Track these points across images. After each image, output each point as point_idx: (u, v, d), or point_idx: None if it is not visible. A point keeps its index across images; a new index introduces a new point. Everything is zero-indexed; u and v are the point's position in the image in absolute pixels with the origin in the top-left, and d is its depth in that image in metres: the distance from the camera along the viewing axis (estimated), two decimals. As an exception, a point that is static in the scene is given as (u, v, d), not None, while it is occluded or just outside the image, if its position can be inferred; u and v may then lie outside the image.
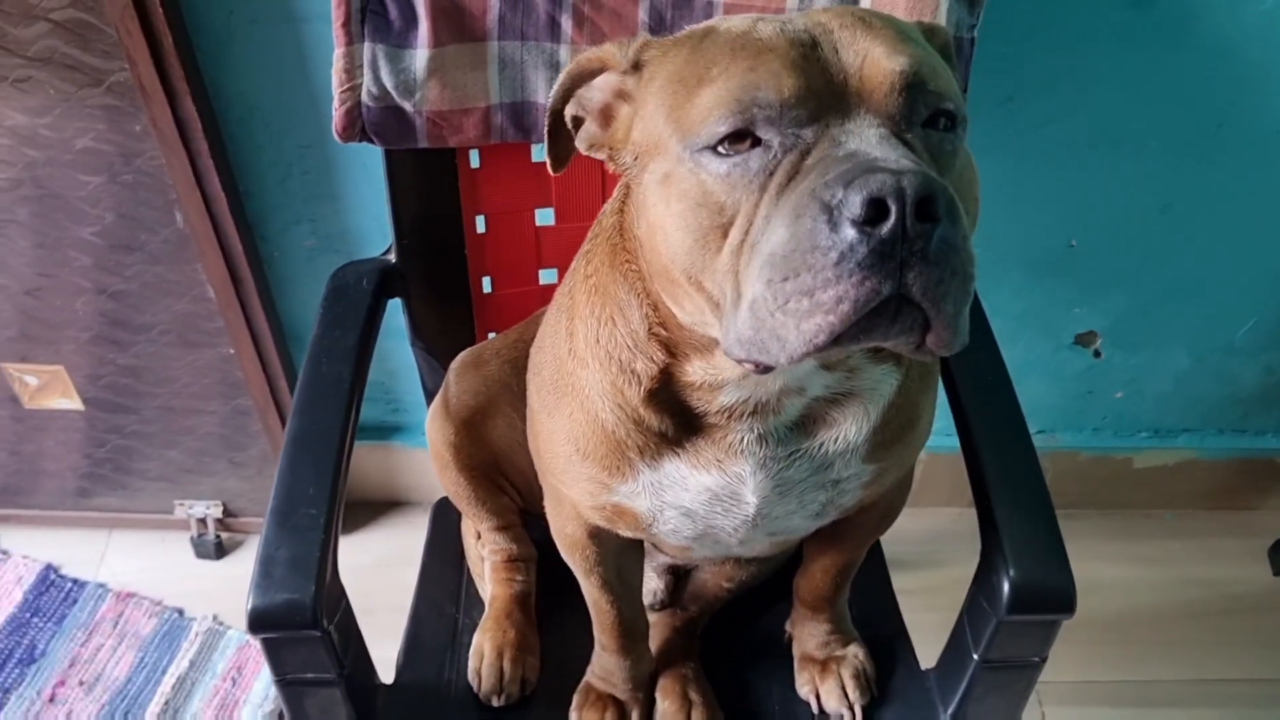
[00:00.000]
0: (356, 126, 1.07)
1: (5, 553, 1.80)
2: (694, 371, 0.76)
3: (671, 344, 0.76)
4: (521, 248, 1.22)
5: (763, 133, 0.61)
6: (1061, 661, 1.64)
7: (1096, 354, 1.61)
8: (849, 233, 0.56)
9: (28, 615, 1.71)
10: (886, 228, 0.55)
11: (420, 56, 1.04)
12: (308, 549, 0.92)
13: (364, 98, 1.05)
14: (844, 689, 1.07)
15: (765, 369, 0.65)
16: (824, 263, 0.57)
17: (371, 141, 1.08)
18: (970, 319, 1.10)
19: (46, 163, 1.29)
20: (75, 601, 1.73)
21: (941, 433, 1.63)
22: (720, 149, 0.62)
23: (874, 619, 1.16)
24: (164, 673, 1.64)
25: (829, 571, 1.04)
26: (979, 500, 0.99)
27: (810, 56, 0.62)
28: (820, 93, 0.62)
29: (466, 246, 1.20)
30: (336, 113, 1.05)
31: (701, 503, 0.82)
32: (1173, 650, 1.67)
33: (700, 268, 0.64)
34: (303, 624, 0.90)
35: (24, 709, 1.59)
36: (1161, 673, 1.65)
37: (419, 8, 1.02)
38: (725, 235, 0.62)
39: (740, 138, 0.62)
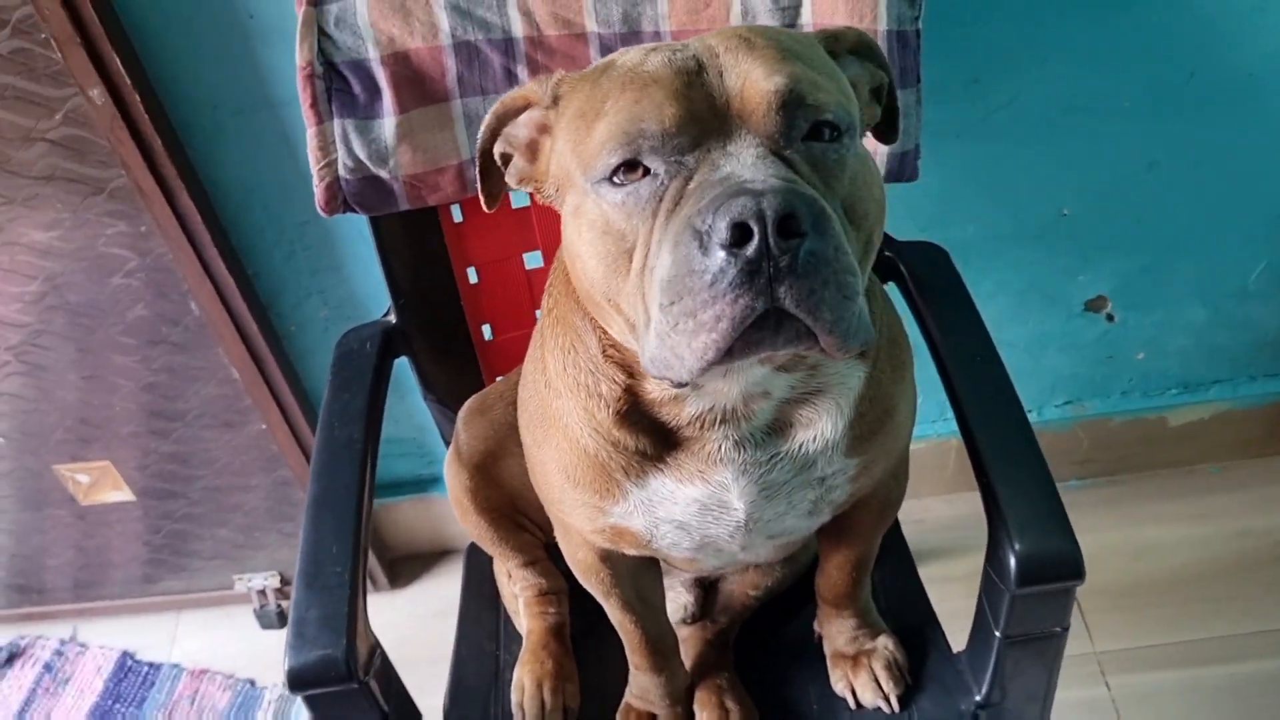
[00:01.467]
0: (338, 199, 1.11)
1: (84, 645, 1.87)
2: (652, 388, 0.79)
3: (626, 364, 0.79)
4: (515, 292, 1.26)
5: (649, 162, 0.66)
6: (1118, 629, 1.65)
7: (1109, 318, 1.61)
8: (718, 256, 0.60)
9: (110, 703, 1.78)
10: (750, 249, 0.59)
11: (388, 125, 1.08)
12: (336, 606, 0.96)
13: (341, 171, 1.09)
14: (877, 681, 1.08)
15: (680, 384, 0.68)
16: (701, 285, 0.61)
17: (355, 211, 1.12)
18: (950, 298, 1.12)
19: (65, 272, 1.36)
20: (153, 684, 1.80)
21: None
22: (615, 179, 0.66)
23: (902, 608, 1.17)
24: (243, 743, 1.70)
25: (844, 568, 1.06)
26: (980, 480, 1.00)
27: (694, 83, 0.66)
28: (702, 118, 0.65)
29: (462, 298, 1.25)
30: (317, 189, 1.10)
31: (692, 514, 0.84)
32: (1231, 605, 1.65)
33: (615, 291, 0.69)
34: (338, 678, 0.93)
35: (115, 793, 1.66)
36: (1222, 629, 1.63)
37: (380, 80, 1.07)
38: (630, 259, 0.66)
39: (631, 168, 0.66)
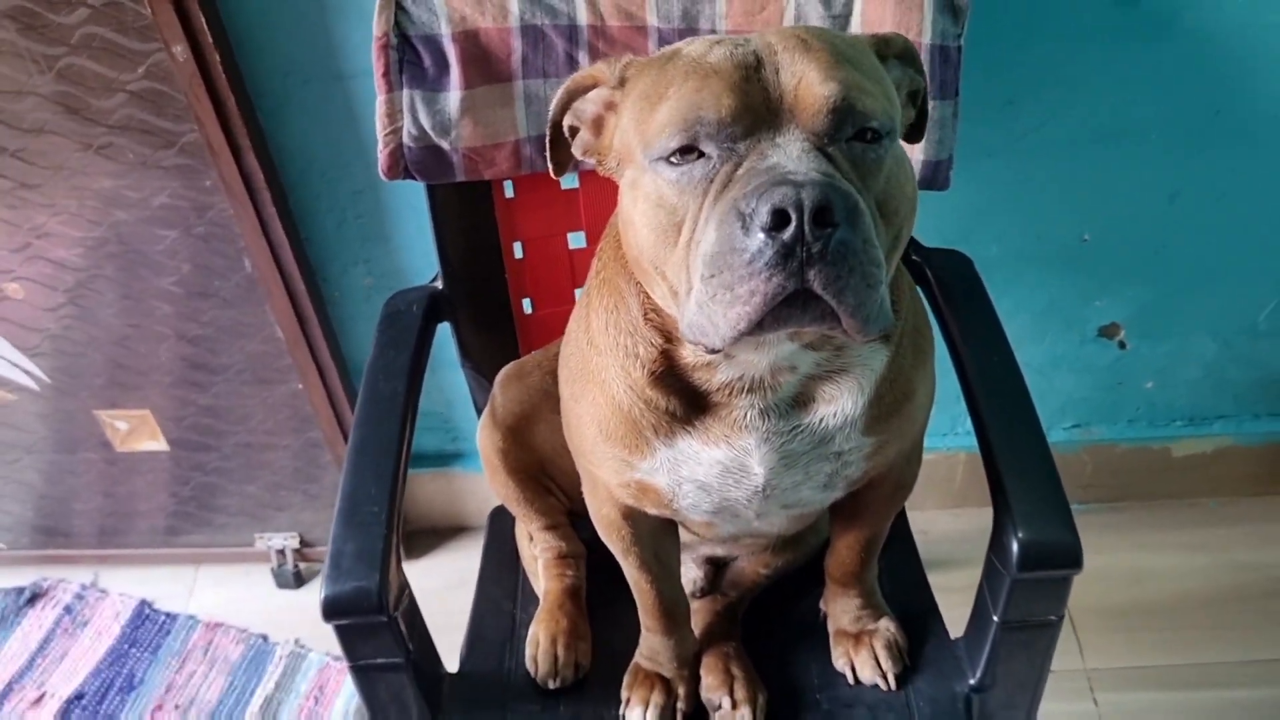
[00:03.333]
0: (400, 165, 1.18)
1: (104, 591, 1.93)
2: (688, 354, 0.85)
3: (665, 329, 0.85)
4: (557, 270, 1.32)
5: (705, 146, 0.72)
6: (1112, 648, 1.69)
7: (1122, 345, 1.66)
8: (758, 238, 0.67)
9: (126, 647, 1.83)
10: (788, 234, 0.66)
11: (453, 99, 1.15)
12: (372, 542, 1.01)
13: (405, 139, 1.16)
14: (877, 659, 1.13)
15: (712, 350, 0.74)
16: (740, 262, 0.68)
17: (414, 178, 1.19)
18: (972, 303, 1.18)
19: (129, 220, 1.43)
20: (169, 632, 1.85)
21: (970, 434, 1.69)
22: (672, 159, 0.73)
23: (905, 595, 1.22)
24: (252, 695, 1.75)
25: (854, 548, 1.11)
26: (990, 473, 1.05)
27: (752, 78, 0.73)
28: (757, 110, 0.72)
29: (506, 271, 1.31)
30: (381, 154, 1.16)
31: (714, 475, 0.90)
32: (1223, 633, 1.70)
33: (662, 259, 0.75)
34: (370, 609, 0.99)
35: (126, 733, 1.71)
36: (1212, 655, 1.67)
37: (450, 55, 1.13)
38: (680, 232, 0.73)
39: (688, 150, 0.72)
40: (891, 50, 0.83)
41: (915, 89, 0.87)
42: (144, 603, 1.90)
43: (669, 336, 0.86)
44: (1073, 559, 0.98)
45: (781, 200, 0.66)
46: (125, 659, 1.81)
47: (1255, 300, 1.60)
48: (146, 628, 1.86)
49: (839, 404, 0.87)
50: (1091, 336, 1.65)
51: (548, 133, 0.88)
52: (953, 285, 1.21)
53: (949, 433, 1.78)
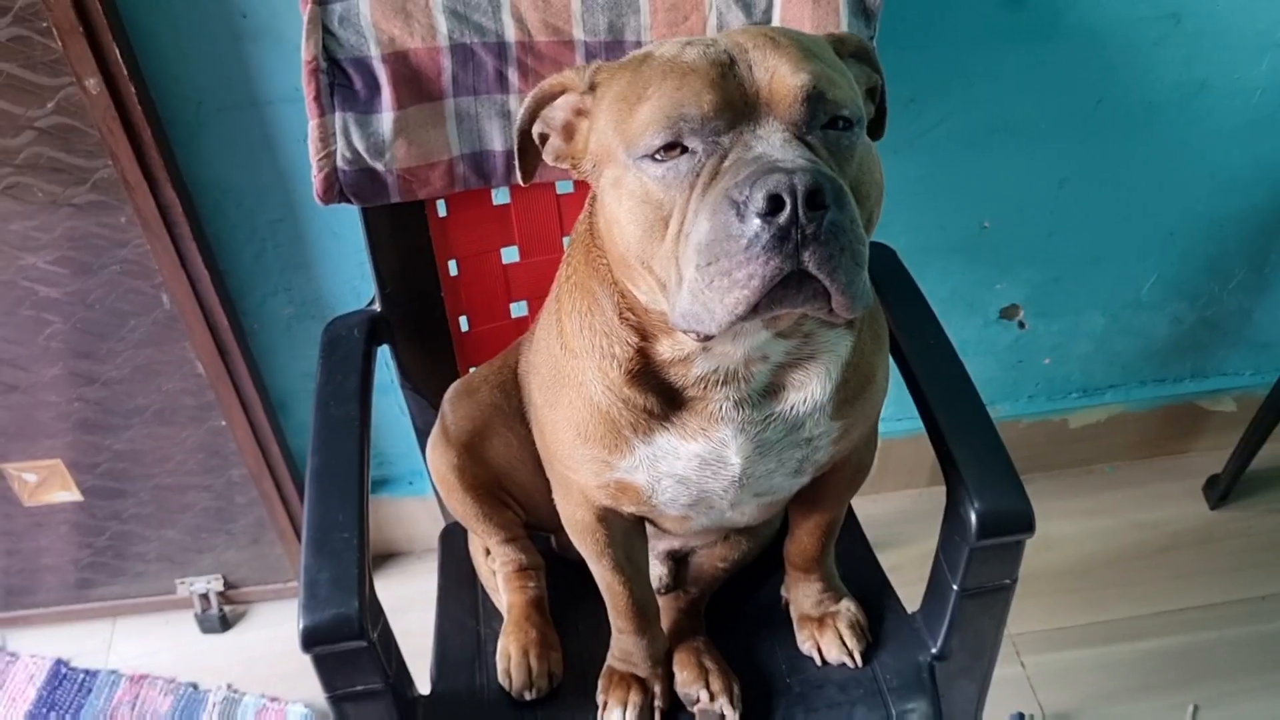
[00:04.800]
0: (335, 189, 1.17)
1: (14, 654, 1.83)
2: (664, 350, 0.88)
3: (641, 327, 0.88)
4: (492, 285, 1.33)
5: (689, 142, 0.75)
6: (1031, 613, 1.78)
7: (1021, 325, 1.75)
8: (754, 223, 0.70)
9: (44, 711, 1.75)
10: (783, 217, 0.69)
11: (386, 120, 1.14)
12: (346, 568, 1.00)
13: (339, 162, 1.15)
14: (842, 639, 1.17)
15: (706, 337, 0.77)
16: (737, 248, 0.70)
17: (350, 201, 1.18)
18: (903, 292, 1.24)
19: (37, 263, 1.37)
20: (90, 690, 1.78)
21: (892, 419, 1.77)
22: (657, 156, 0.76)
23: (860, 577, 1.26)
24: (187, 746, 1.69)
25: (814, 533, 1.15)
26: (939, 450, 1.11)
27: (727, 74, 0.76)
28: (735, 105, 0.75)
29: (443, 289, 1.31)
30: (315, 179, 1.15)
31: (693, 469, 0.93)
32: (1129, 590, 1.81)
33: (650, 254, 0.78)
34: (350, 635, 0.98)
35: (54, 800, 1.63)
36: (1122, 611, 1.78)
37: (380, 77, 1.13)
38: (667, 226, 0.76)
39: (672, 147, 0.75)
40: (847, 48, 0.87)
41: (872, 85, 0.91)
42: (59, 662, 1.82)
43: (644, 335, 0.88)
44: (1026, 523, 1.04)
45: (775, 186, 0.69)
46: (45, 723, 1.73)
47: (1138, 275, 1.71)
48: (65, 687, 1.78)
49: (808, 390, 0.91)
50: (994, 319, 1.74)
51: (515, 140, 0.89)
52: (883, 276, 1.26)
53: (865, 421, 1.84)
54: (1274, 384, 1.73)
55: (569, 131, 0.87)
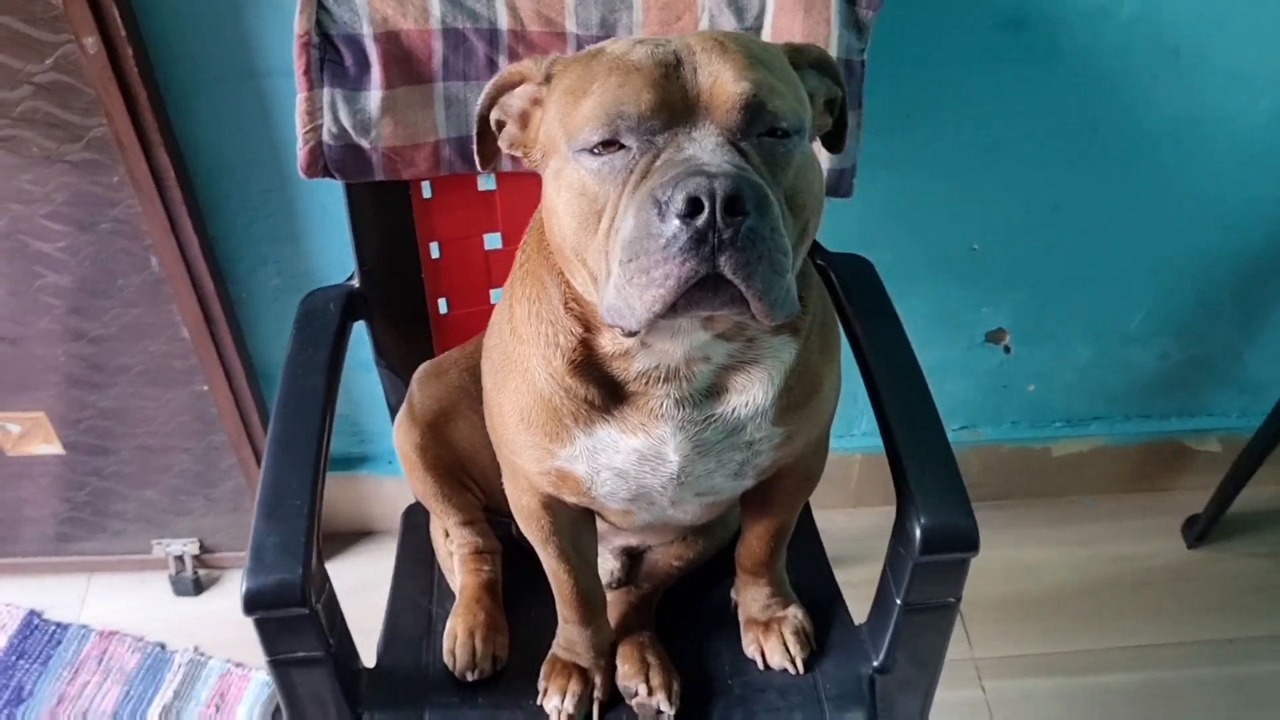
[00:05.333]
0: (319, 163, 1.18)
1: (-12, 602, 1.86)
2: (606, 343, 0.89)
3: (585, 318, 0.89)
4: (473, 270, 1.34)
5: (625, 139, 0.76)
6: (996, 638, 1.78)
7: (1006, 350, 1.75)
8: (673, 224, 0.71)
9: (14, 659, 1.77)
10: (700, 220, 0.70)
11: (374, 98, 1.16)
12: (294, 535, 1.02)
13: (325, 137, 1.16)
14: (786, 645, 1.18)
15: (631, 333, 0.78)
16: (656, 247, 0.72)
17: (333, 176, 1.19)
18: (874, 305, 1.24)
19: (30, 215, 1.39)
20: (60, 643, 1.80)
21: (871, 434, 1.77)
22: (594, 150, 0.77)
23: (812, 585, 1.27)
24: (149, 704, 1.71)
25: (763, 537, 1.16)
26: (893, 464, 1.11)
27: (671, 75, 0.77)
28: (674, 106, 0.76)
29: (423, 270, 1.32)
30: (300, 151, 1.17)
31: (631, 463, 0.94)
32: (1097, 622, 1.80)
33: (584, 247, 0.79)
34: (292, 602, 0.99)
35: (14, 747, 1.66)
36: (1088, 643, 1.77)
37: (371, 55, 1.14)
38: (600, 220, 0.77)
39: (609, 143, 0.77)
40: (805, 59, 0.88)
41: (832, 97, 0.92)
42: (32, 613, 1.84)
43: (588, 326, 0.89)
44: (970, 542, 1.04)
45: (695, 189, 0.70)
46: (13, 671, 1.75)
47: (1127, 308, 1.71)
48: (35, 638, 1.81)
49: (750, 394, 0.92)
50: (979, 341, 1.74)
51: (474, 126, 0.91)
52: (855, 287, 1.27)
53: (845, 434, 1.85)
54: (1259, 427, 1.73)
55: (524, 120, 0.89)
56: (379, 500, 1.88)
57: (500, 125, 0.91)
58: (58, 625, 1.83)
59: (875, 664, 1.15)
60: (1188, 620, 1.81)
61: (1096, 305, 1.70)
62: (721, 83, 0.77)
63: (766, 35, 1.18)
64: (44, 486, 1.76)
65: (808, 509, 1.38)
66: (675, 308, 0.73)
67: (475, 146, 0.92)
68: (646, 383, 0.90)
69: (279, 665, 1.05)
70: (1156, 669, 1.74)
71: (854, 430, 1.84)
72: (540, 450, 0.96)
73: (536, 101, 0.87)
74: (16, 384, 1.60)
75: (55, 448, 1.69)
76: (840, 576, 1.32)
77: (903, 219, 1.55)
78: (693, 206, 0.70)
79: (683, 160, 0.73)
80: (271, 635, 1.03)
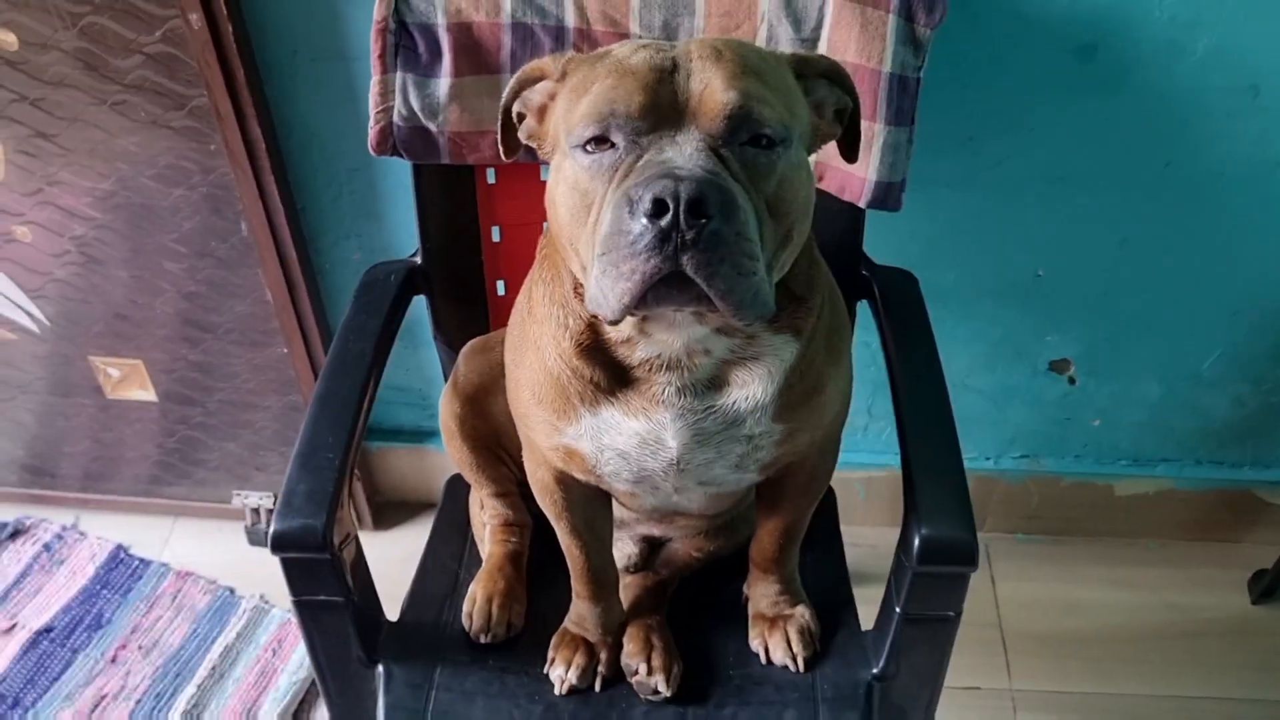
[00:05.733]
0: (388, 143, 1.26)
1: (83, 533, 2.01)
2: (610, 329, 0.94)
3: None
4: (532, 256, 1.39)
5: (615, 138, 0.82)
6: (1037, 672, 1.75)
7: (1071, 380, 1.73)
8: (641, 222, 0.76)
9: (98, 588, 1.91)
10: (665, 220, 0.75)
11: (443, 85, 1.23)
12: (323, 485, 1.09)
13: (395, 118, 1.24)
14: (789, 643, 1.20)
15: (611, 322, 0.83)
16: (625, 243, 0.77)
17: (401, 156, 1.27)
18: (908, 318, 1.25)
19: (136, 175, 1.51)
20: (140, 577, 1.93)
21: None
22: (587, 148, 0.83)
23: (826, 588, 1.29)
24: (213, 642, 1.82)
25: (773, 534, 1.18)
26: (905, 474, 1.13)
27: (665, 80, 0.82)
28: (663, 109, 0.81)
29: (483, 253, 1.38)
30: (372, 130, 1.25)
31: (633, 446, 0.98)
32: (1145, 668, 1.76)
33: (576, 238, 0.85)
34: (314, 546, 1.06)
35: (89, 668, 1.78)
36: (1132, 687, 1.73)
37: (443, 44, 1.21)
38: (589, 214, 0.82)
39: (601, 140, 0.82)
40: (814, 70, 0.91)
41: (843, 107, 0.94)
42: (120, 547, 1.98)
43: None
44: (968, 557, 1.05)
45: (662, 191, 0.75)
46: (96, 599, 1.89)
47: (1199, 349, 1.66)
48: (119, 571, 1.94)
49: (750, 389, 0.95)
50: (1043, 370, 1.72)
51: (499, 118, 0.97)
52: (895, 301, 1.29)
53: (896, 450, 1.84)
54: (1336, 484, 1.67)
55: (542, 114, 0.94)
56: (446, 472, 1.95)
57: (520, 117, 0.96)
58: (140, 561, 1.96)
59: (875, 671, 1.16)
60: (1241, 677, 1.75)
61: (1167, 343, 1.66)
62: (710, 90, 0.81)
63: (823, 48, 1.21)
64: (138, 430, 1.89)
65: (833, 515, 1.40)
66: (644, 301, 0.78)
67: (499, 137, 0.98)
68: (649, 369, 0.94)
69: (301, 606, 1.12)
70: (1201, 722, 1.69)
71: (911, 449, 1.84)
72: (549, 426, 1.01)
73: (553, 96, 0.92)
74: (120, 332, 1.73)
75: (150, 394, 1.82)
76: (869, 592, 1.33)
77: (966, 240, 1.55)
78: (658, 207, 0.75)
79: (660, 162, 0.78)
80: (295, 576, 1.10)
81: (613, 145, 0.82)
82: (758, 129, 0.81)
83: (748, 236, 0.78)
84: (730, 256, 0.76)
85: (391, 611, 1.25)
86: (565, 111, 0.87)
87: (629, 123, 0.81)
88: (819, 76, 0.91)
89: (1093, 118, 1.41)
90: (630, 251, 0.76)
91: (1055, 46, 1.35)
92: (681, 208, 0.74)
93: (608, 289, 0.79)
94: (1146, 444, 1.82)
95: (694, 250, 0.75)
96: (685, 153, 0.79)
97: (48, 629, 1.83)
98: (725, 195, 0.76)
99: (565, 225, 0.86)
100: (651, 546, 1.32)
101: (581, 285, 0.93)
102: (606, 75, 0.83)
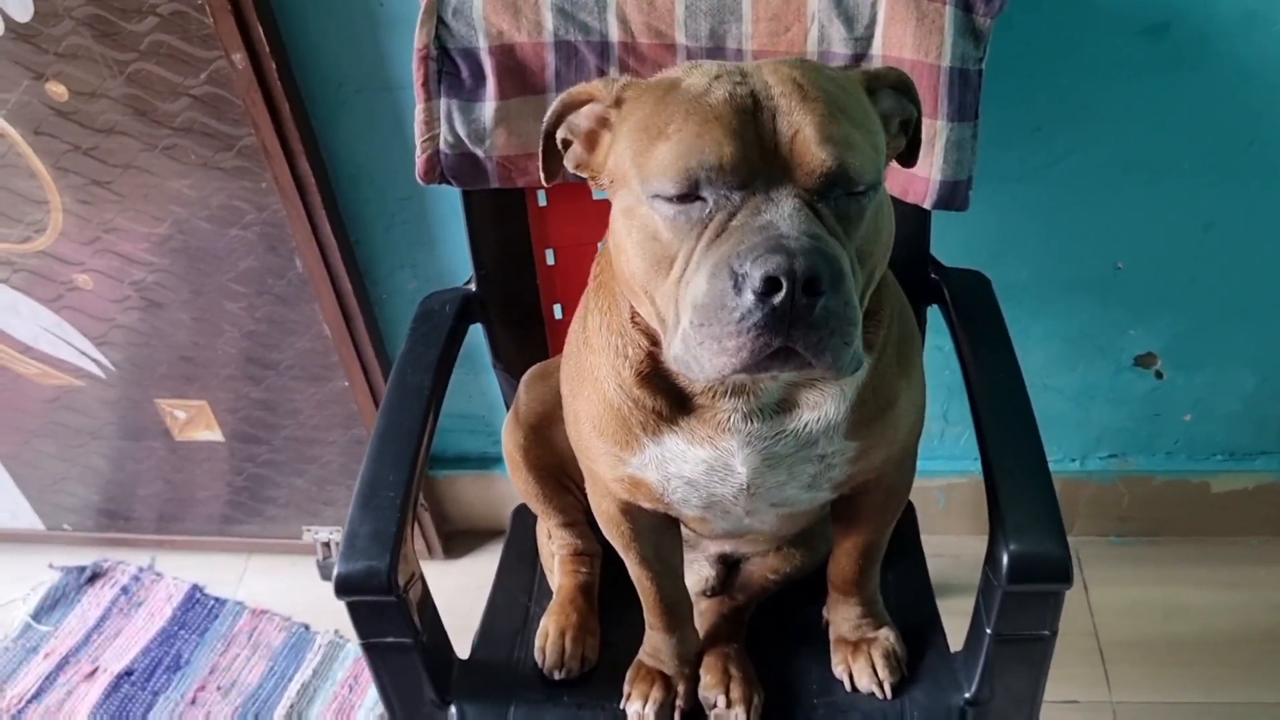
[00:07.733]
0: (436, 171, 1.24)
1: (159, 574, 2.02)
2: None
3: (650, 332, 0.89)
4: (587, 278, 1.37)
5: (703, 191, 0.76)
6: (1138, 682, 1.68)
7: (1158, 375, 1.65)
8: (749, 299, 0.72)
9: (175, 628, 1.92)
10: (778, 299, 0.71)
11: (488, 109, 1.20)
12: (386, 525, 1.07)
13: (441, 145, 1.22)
14: (874, 668, 1.15)
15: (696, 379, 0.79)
16: (730, 319, 0.73)
17: (449, 183, 1.24)
18: (984, 325, 1.20)
19: (190, 218, 1.51)
20: (217, 617, 1.93)
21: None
22: (670, 199, 0.77)
23: (910, 608, 1.23)
24: (290, 680, 1.82)
25: (852, 555, 1.13)
26: (988, 487, 1.07)
27: (748, 123, 0.76)
28: (753, 160, 0.75)
29: (538, 276, 1.36)
30: (419, 159, 1.22)
31: (700, 473, 0.94)
32: (1253, 674, 1.67)
33: (653, 287, 0.80)
34: (379, 589, 1.04)
35: (169, 710, 1.78)
36: (1242, 695, 1.64)
37: (486, 68, 1.19)
38: (671, 266, 0.77)
39: (686, 194, 0.76)
40: (883, 83, 0.86)
41: (908, 117, 0.90)
42: (196, 587, 1.99)
43: (655, 340, 0.90)
44: (1062, 573, 0.99)
45: (775, 269, 0.70)
46: (174, 640, 1.90)
47: (1295, 335, 1.58)
48: (196, 611, 1.95)
49: (822, 409, 0.90)
50: (1127, 365, 1.64)
51: (540, 142, 0.92)
52: (967, 304, 1.23)
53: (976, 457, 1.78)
54: None
55: (591, 140, 0.89)
56: (514, 499, 1.93)
57: (566, 143, 0.91)
58: (216, 600, 1.96)
59: (967, 695, 1.11)
60: (1359, 679, 1.65)
61: (1260, 330, 1.58)
62: (803, 141, 0.76)
63: (877, 45, 1.16)
64: (208, 470, 1.89)
65: (914, 530, 1.34)
66: (742, 370, 0.75)
67: (540, 162, 0.93)
68: (714, 396, 0.90)
69: (370, 649, 1.10)
70: (1318, 730, 1.60)
71: (991, 454, 1.77)
72: (612, 457, 0.97)
73: (604, 123, 0.87)
74: (184, 374, 1.73)
75: (216, 435, 1.82)
76: (955, 604, 1.27)
77: (1038, 235, 1.48)
78: (770, 285, 0.70)
79: (760, 227, 0.73)
80: (362, 619, 1.08)
81: (699, 198, 0.76)
82: (852, 185, 0.77)
83: (853, 305, 0.74)
84: (839, 329, 0.73)
85: (464, 645, 1.23)
86: (635, 152, 0.81)
87: (720, 176, 0.75)
88: (887, 88, 0.87)
89: (1167, 99, 1.34)
90: (737, 328, 0.72)
91: (1123, 27, 1.28)
92: (797, 286, 0.70)
93: (705, 359, 0.75)
94: (1242, 437, 1.73)
95: (805, 327, 0.72)
96: (784, 213, 0.74)
97: (128, 672, 1.84)
98: (834, 266, 0.72)
99: (640, 274, 0.81)
100: (729, 568, 1.28)
101: (639, 315, 0.89)
102: (686, 117, 0.77)
